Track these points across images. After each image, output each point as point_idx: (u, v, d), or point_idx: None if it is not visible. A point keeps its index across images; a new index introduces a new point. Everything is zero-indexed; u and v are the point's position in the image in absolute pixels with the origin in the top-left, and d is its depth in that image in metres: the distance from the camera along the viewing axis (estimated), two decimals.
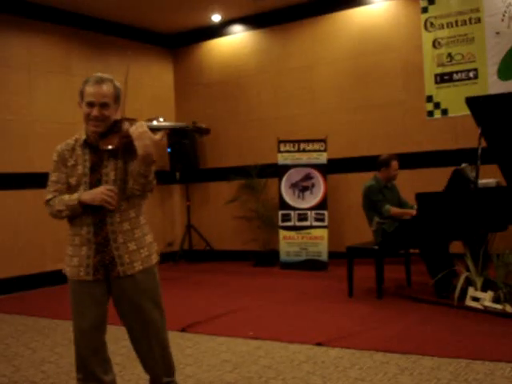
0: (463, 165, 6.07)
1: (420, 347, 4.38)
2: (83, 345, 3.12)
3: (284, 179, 8.73)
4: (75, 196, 3.00)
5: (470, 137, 6.76)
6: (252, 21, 9.67)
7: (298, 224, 8.58)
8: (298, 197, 8.64)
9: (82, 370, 3.14)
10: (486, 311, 5.22)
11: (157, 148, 2.93)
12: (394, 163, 6.60)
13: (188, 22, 9.83)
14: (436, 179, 6.76)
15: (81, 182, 3.04)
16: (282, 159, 8.75)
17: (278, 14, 9.38)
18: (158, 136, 2.94)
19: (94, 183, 3.02)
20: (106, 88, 3.04)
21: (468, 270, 5.58)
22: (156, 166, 3.04)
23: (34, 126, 8.26)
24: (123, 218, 3.05)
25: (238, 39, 9.87)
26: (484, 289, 5.39)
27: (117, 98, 3.09)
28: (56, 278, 8.19)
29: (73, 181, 3.07)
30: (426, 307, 5.66)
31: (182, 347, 4.00)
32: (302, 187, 8.63)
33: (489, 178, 5.98)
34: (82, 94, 3.08)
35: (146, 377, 3.30)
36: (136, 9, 8.92)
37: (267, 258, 9.01)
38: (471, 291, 5.45)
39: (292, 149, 8.71)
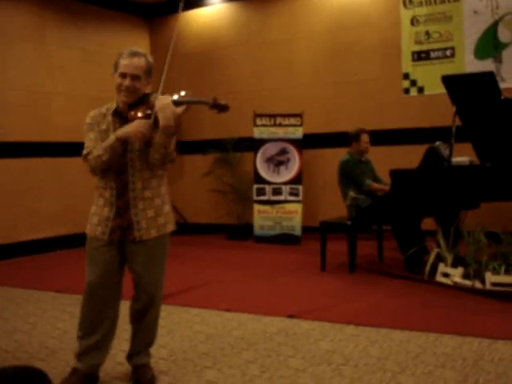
0: (437, 143, 6.12)
1: (390, 321, 4.46)
2: (89, 303, 3.36)
3: (259, 153, 8.73)
4: (111, 137, 3.17)
5: (445, 115, 6.80)
6: None
7: (273, 198, 8.61)
8: (273, 171, 8.66)
9: (83, 327, 3.38)
10: (456, 287, 5.31)
11: (178, 121, 3.11)
12: (364, 136, 6.65)
13: None
14: (410, 156, 6.81)
15: None
16: (258, 133, 8.75)
17: None
18: (179, 109, 3.10)
19: (122, 150, 3.21)
20: (139, 61, 3.21)
21: (439, 246, 5.67)
22: (176, 138, 3.24)
23: (6, 95, 8.12)
24: (145, 185, 3.26)
25: (216, 10, 9.78)
26: (454, 265, 5.48)
27: (148, 72, 3.27)
28: (29, 248, 8.19)
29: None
30: (397, 282, 5.75)
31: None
32: (278, 161, 8.65)
33: (462, 156, 6.04)
34: (116, 65, 3.26)
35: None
36: None
37: (241, 231, 9.04)
38: (442, 267, 5.54)
39: (268, 123, 8.71)
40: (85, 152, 3.28)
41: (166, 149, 3.17)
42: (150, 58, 3.31)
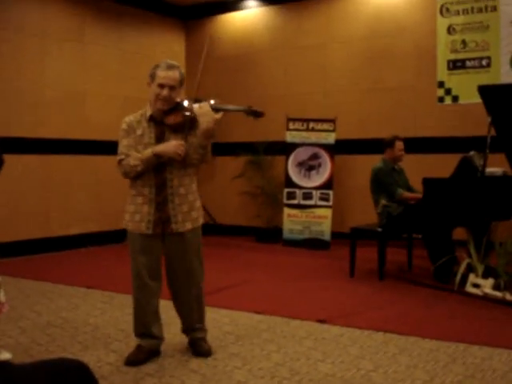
0: (471, 152, 6.10)
1: (419, 329, 4.45)
2: (139, 290, 3.74)
3: (291, 157, 8.77)
4: (149, 150, 3.55)
5: (479, 125, 6.78)
6: None
7: (303, 202, 8.64)
8: (304, 175, 8.69)
9: (137, 313, 3.79)
10: (486, 298, 5.29)
11: (216, 125, 3.52)
12: (399, 143, 6.62)
13: None
14: (443, 165, 6.79)
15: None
16: (290, 137, 8.78)
17: None
18: (218, 115, 3.52)
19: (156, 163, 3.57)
20: (174, 74, 3.60)
21: (470, 256, 5.64)
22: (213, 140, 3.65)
23: (45, 93, 8.28)
24: (180, 183, 3.65)
25: (251, 14, 9.84)
26: (485, 276, 5.46)
27: (181, 82, 3.66)
28: (60, 243, 8.32)
29: (140, 148, 3.61)
30: (426, 291, 5.73)
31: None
32: (309, 166, 8.67)
33: (496, 167, 6.01)
34: (152, 76, 3.64)
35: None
36: None
37: (270, 234, 9.08)
38: (472, 277, 5.52)
39: (301, 127, 8.74)
40: (119, 158, 3.64)
41: (204, 149, 3.59)
42: (182, 71, 3.69)
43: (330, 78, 9.12)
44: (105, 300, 5.52)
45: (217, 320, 4.70)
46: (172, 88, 3.59)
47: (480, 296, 5.35)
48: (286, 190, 8.75)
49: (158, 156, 3.53)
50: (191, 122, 3.56)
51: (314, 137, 8.68)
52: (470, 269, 5.60)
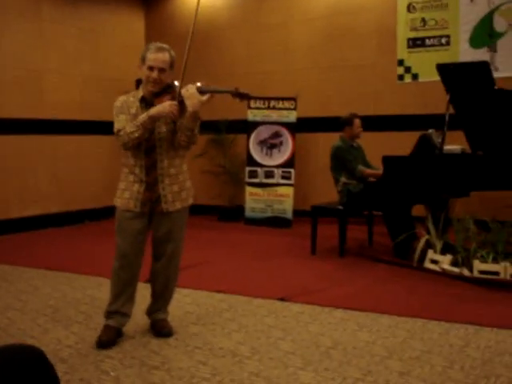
0: (430, 130, 6.16)
1: (379, 306, 4.52)
2: (123, 268, 3.77)
3: (253, 136, 8.75)
4: (143, 115, 3.57)
5: (438, 103, 6.84)
6: None
7: (265, 181, 8.65)
8: (266, 154, 8.69)
9: (115, 290, 3.82)
10: (444, 274, 5.38)
11: (202, 107, 3.56)
12: (357, 121, 6.67)
13: None
14: (403, 143, 6.85)
15: None
16: (251, 116, 8.76)
17: None
18: (204, 97, 3.56)
19: (150, 134, 3.62)
20: (164, 56, 3.65)
21: (429, 233, 5.73)
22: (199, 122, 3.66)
23: (1, 72, 8.07)
24: (170, 163, 3.71)
25: None
26: (443, 252, 5.55)
27: (171, 65, 3.70)
28: (20, 225, 8.20)
29: None
30: (386, 267, 5.81)
31: (147, 299, 4.05)
32: (271, 144, 8.67)
33: (455, 144, 6.08)
34: (143, 59, 3.66)
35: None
36: None
37: (232, 213, 9.09)
38: (430, 254, 5.61)
39: (262, 106, 8.72)
40: (117, 129, 3.64)
41: (192, 131, 3.62)
42: (173, 53, 3.73)
43: (291, 56, 9.09)
44: (65, 281, 5.46)
45: (178, 300, 4.69)
46: (162, 70, 3.63)
47: (438, 272, 5.45)
48: (248, 168, 8.75)
49: (153, 118, 3.55)
50: (180, 105, 3.58)
51: (275, 115, 8.67)
52: (429, 245, 5.69)
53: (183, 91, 3.58)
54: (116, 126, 3.66)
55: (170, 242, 3.83)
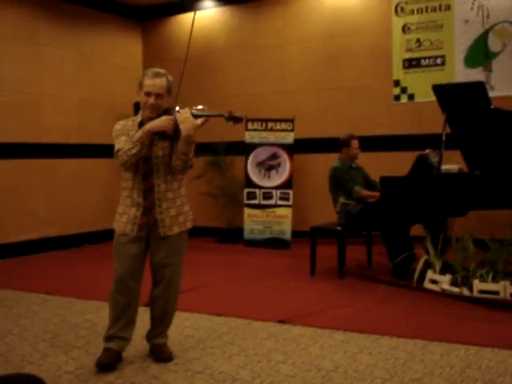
0: (427, 150, 6.18)
1: (379, 327, 4.51)
2: (120, 291, 3.76)
3: (250, 157, 8.78)
4: (139, 131, 3.60)
5: (434, 122, 6.88)
6: None
7: (263, 202, 8.65)
8: (264, 175, 8.70)
9: (113, 314, 3.81)
10: (444, 294, 5.37)
11: (197, 131, 3.58)
12: (354, 142, 6.69)
13: None
14: (400, 163, 6.86)
15: None
16: (249, 137, 8.78)
17: None
18: (198, 121, 3.58)
19: (147, 158, 3.66)
20: (161, 81, 3.68)
21: (428, 253, 5.73)
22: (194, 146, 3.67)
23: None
24: (168, 187, 3.72)
25: (208, 15, 9.81)
26: (442, 272, 5.54)
27: (168, 90, 3.74)
28: (19, 249, 8.18)
29: None
30: (386, 288, 5.80)
31: (145, 323, 4.04)
32: (268, 166, 8.69)
33: (452, 164, 6.11)
34: (140, 85, 3.70)
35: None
36: None
37: (231, 235, 9.08)
38: (430, 274, 5.60)
39: (259, 127, 8.75)
40: (117, 149, 3.67)
41: (186, 156, 3.62)
42: (170, 77, 3.76)
43: (287, 77, 9.15)
44: (64, 306, 5.44)
45: (177, 323, 4.67)
46: (159, 96, 3.66)
47: (438, 292, 5.44)
48: (246, 190, 8.76)
49: (148, 132, 3.56)
50: (175, 129, 3.58)
51: (272, 137, 8.70)
52: (428, 265, 5.68)
53: (178, 115, 3.60)
54: (116, 147, 3.70)
55: (168, 266, 3.81)
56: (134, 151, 3.58)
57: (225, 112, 3.66)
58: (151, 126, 3.57)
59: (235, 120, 3.66)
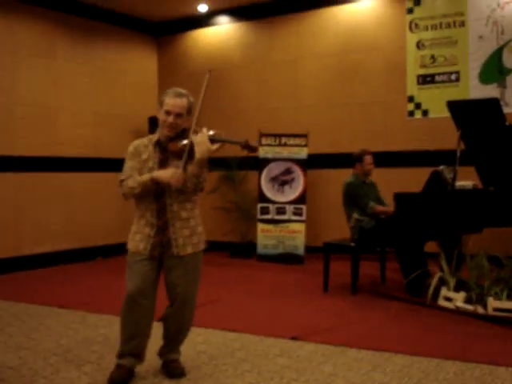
0: (441, 167, 6.16)
1: (392, 345, 4.47)
2: (130, 309, 3.73)
3: (264, 172, 8.79)
4: (148, 175, 3.63)
5: (448, 138, 6.87)
6: (238, 13, 9.69)
7: (277, 217, 8.65)
8: (278, 190, 8.71)
9: (124, 333, 3.78)
10: (458, 311, 5.33)
11: (211, 156, 3.57)
12: (367, 157, 6.68)
13: (174, 11, 9.83)
14: (414, 179, 6.86)
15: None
16: (262, 152, 8.80)
17: (264, 7, 9.41)
18: (214, 146, 3.58)
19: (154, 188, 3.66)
20: (182, 101, 3.70)
21: (442, 269, 5.69)
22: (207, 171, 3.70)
23: (16, 110, 8.21)
24: (181, 207, 3.72)
25: (223, 30, 9.88)
26: (457, 289, 5.50)
27: (189, 110, 3.75)
28: (32, 262, 8.22)
29: (144, 171, 3.69)
30: (399, 305, 5.76)
31: (158, 337, 4.03)
32: (282, 181, 8.70)
33: (466, 180, 6.08)
34: (161, 103, 3.72)
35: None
36: None
37: (244, 249, 9.08)
38: (444, 291, 5.56)
39: (273, 142, 8.77)
40: (121, 178, 3.71)
41: (197, 179, 3.61)
42: (192, 98, 3.78)
43: (301, 93, 9.18)
44: (77, 320, 5.46)
45: (190, 339, 4.64)
46: (178, 115, 3.67)
47: (452, 309, 5.40)
48: (260, 205, 8.76)
49: (154, 180, 3.59)
50: (190, 150, 3.58)
51: (286, 152, 8.72)
52: (442, 282, 5.64)
53: (195, 137, 3.59)
54: (122, 174, 3.73)
55: (181, 286, 3.78)
56: (136, 191, 3.64)
57: (242, 140, 3.66)
58: (159, 176, 3.58)
59: (250, 149, 3.68)
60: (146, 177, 3.61)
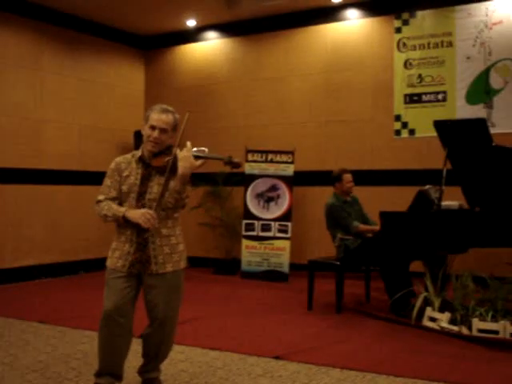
0: (427, 186, 6.14)
1: (376, 366, 4.42)
2: (107, 326, 3.63)
3: (250, 188, 8.75)
4: (122, 210, 3.58)
5: (435, 158, 6.87)
6: (227, 28, 9.69)
7: (262, 234, 8.60)
8: (263, 207, 8.67)
9: (101, 350, 3.68)
10: (443, 332, 5.29)
11: (194, 172, 3.54)
12: (346, 176, 6.66)
13: (162, 25, 9.82)
14: (400, 198, 6.84)
15: (131, 190, 3.65)
16: (249, 168, 8.76)
17: (252, 23, 9.43)
18: (198, 162, 3.55)
19: (141, 193, 3.64)
20: (167, 117, 3.67)
21: (427, 290, 5.65)
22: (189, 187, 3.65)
23: (0, 121, 8.12)
24: (162, 225, 3.63)
25: (211, 46, 9.88)
26: (441, 309, 5.46)
27: (174, 127, 3.72)
28: (14, 275, 8.10)
29: (125, 188, 3.66)
30: (384, 324, 5.72)
31: (138, 354, 3.96)
32: (268, 198, 8.66)
33: (452, 200, 6.06)
34: (147, 118, 3.70)
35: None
36: (110, 8, 8.86)
37: (228, 266, 9.01)
38: (429, 311, 5.52)
39: (260, 159, 8.74)
40: (98, 198, 3.68)
41: (179, 194, 3.55)
42: (177, 115, 3.75)
43: (288, 110, 9.17)
44: (56, 335, 5.36)
45: (171, 357, 4.56)
46: (163, 131, 3.63)
47: (437, 330, 5.35)
48: (245, 221, 8.71)
49: (125, 219, 3.54)
50: (173, 165, 3.54)
51: (272, 168, 8.68)
52: (427, 302, 5.60)
53: (179, 152, 3.55)
54: (99, 194, 3.70)
55: (161, 305, 3.68)
56: (108, 219, 3.62)
57: (225, 157, 3.65)
58: (131, 216, 3.51)
59: (233, 165, 3.66)
60: (121, 211, 3.56)
